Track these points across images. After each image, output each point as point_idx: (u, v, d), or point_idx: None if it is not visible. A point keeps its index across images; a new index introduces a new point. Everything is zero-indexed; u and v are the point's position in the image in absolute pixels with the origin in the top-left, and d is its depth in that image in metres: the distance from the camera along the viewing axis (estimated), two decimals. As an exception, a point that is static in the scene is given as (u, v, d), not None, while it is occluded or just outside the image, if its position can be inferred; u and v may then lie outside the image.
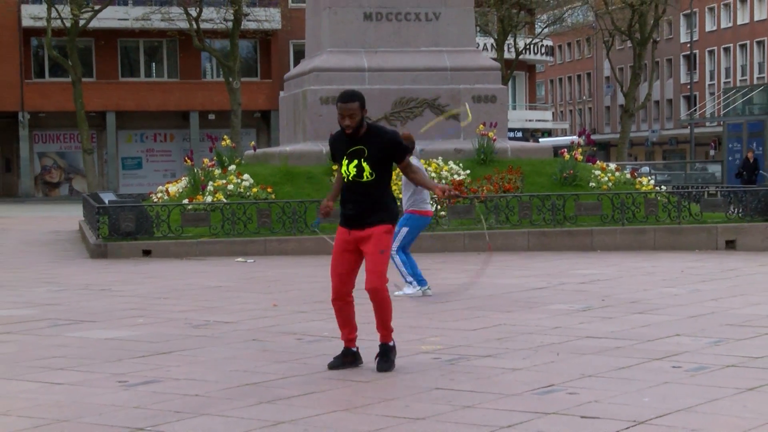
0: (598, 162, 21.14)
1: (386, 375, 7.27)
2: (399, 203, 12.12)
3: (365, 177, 7.22)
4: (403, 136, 11.95)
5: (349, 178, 7.27)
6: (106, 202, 19.70)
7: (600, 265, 15.17)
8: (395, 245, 11.74)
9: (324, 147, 20.18)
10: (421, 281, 11.78)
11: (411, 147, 11.62)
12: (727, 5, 74.67)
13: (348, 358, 7.47)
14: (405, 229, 11.68)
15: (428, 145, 19.74)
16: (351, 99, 7.20)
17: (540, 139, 62.12)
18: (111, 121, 51.19)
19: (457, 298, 11.33)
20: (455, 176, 19.31)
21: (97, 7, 43.12)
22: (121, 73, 52.30)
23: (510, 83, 57.58)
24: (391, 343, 7.46)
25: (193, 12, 43.97)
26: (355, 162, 7.23)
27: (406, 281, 11.74)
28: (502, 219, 18.11)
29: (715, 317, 9.91)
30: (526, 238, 17.75)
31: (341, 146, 7.35)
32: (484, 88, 21.45)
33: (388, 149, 7.26)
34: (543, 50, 65.28)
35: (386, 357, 7.42)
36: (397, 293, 11.59)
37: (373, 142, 7.24)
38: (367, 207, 7.26)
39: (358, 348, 7.53)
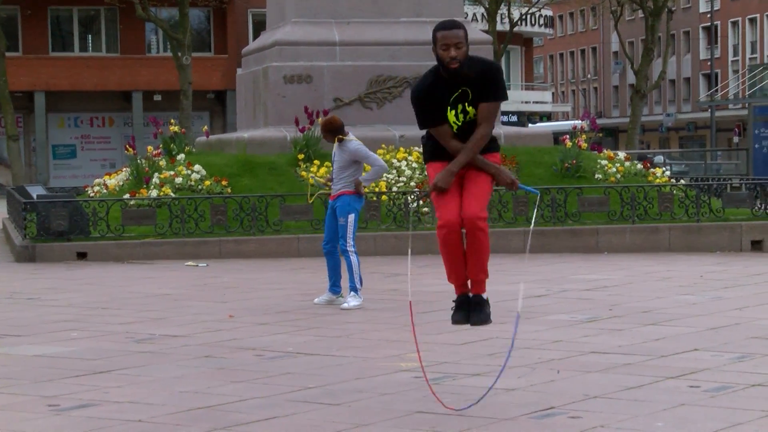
0: (604, 150, 21.21)
1: (360, 396, 7.27)
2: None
3: (469, 118, 6.94)
4: (330, 120, 11.74)
5: (458, 124, 6.96)
6: (35, 196, 19.64)
7: (607, 270, 15.23)
8: (351, 240, 11.57)
9: (288, 133, 20.16)
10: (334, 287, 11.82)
11: (340, 132, 11.51)
12: (753, -31, 75.12)
13: (466, 306, 7.10)
14: (352, 216, 11.57)
15: (408, 130, 19.72)
16: (454, 25, 7.10)
17: (532, 124, 62.11)
18: (40, 103, 50.95)
19: (441, 308, 11.32)
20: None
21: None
22: (51, 47, 52.07)
23: (503, 59, 57.72)
24: (485, 296, 7.11)
25: (136, -24, 43.83)
26: (460, 107, 6.94)
27: (357, 288, 11.55)
28: (494, 216, 18.15)
29: (738, 329, 9.97)
30: (521, 238, 17.80)
31: (441, 95, 6.96)
32: (473, 65, 21.44)
33: (490, 86, 6.97)
34: (541, 21, 65.47)
35: (481, 308, 7.09)
36: (344, 305, 11.57)
37: (475, 79, 6.94)
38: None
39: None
